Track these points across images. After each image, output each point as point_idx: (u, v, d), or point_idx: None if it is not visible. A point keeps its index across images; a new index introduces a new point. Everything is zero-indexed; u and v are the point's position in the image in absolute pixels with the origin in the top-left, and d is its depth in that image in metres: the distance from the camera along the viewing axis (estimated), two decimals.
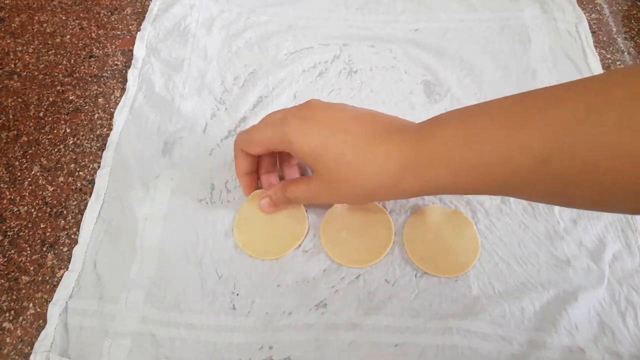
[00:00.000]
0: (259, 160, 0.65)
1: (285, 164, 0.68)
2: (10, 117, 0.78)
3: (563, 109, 0.44)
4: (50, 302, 0.61)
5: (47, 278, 0.64)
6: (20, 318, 0.61)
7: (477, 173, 0.49)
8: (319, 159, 0.52)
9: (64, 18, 0.91)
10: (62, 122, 0.78)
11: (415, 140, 0.53)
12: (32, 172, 0.73)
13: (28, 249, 0.66)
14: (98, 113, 0.79)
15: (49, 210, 0.69)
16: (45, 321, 0.60)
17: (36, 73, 0.84)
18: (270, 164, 0.66)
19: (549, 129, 0.44)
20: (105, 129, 0.77)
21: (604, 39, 0.87)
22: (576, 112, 0.43)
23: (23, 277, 0.64)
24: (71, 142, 0.76)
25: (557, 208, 0.68)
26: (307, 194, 0.58)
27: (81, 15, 0.92)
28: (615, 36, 0.88)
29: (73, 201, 0.70)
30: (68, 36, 0.89)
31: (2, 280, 0.64)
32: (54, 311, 0.60)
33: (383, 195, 0.56)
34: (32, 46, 0.87)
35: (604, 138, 0.41)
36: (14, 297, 0.63)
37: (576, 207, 0.63)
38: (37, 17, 0.91)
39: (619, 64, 0.84)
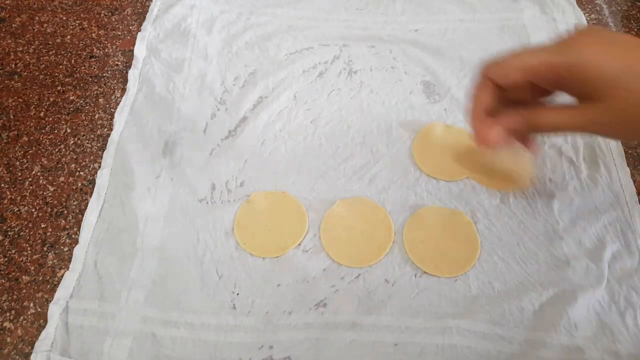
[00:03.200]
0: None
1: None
2: (11, 117, 0.78)
3: None
4: (50, 301, 0.62)
5: (48, 278, 0.64)
6: (21, 318, 0.61)
7: None
8: (621, 84, 0.45)
9: (64, 18, 0.91)
10: (63, 122, 0.78)
11: None
12: (33, 172, 0.73)
13: (29, 248, 0.66)
14: (99, 113, 0.79)
15: (49, 210, 0.69)
16: (45, 321, 0.60)
17: (37, 73, 0.84)
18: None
19: None
20: (106, 129, 0.77)
21: None
22: None
23: (24, 276, 0.64)
24: (72, 142, 0.76)
25: (556, 208, 0.68)
26: (572, 122, 0.50)
27: (82, 15, 0.92)
28: None
29: (74, 201, 0.70)
30: (68, 36, 0.89)
31: (3, 280, 0.64)
32: (54, 311, 0.61)
33: None
34: (32, 46, 0.87)
35: None
36: (15, 296, 0.63)
37: None
38: (37, 18, 0.91)
39: None
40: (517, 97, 0.53)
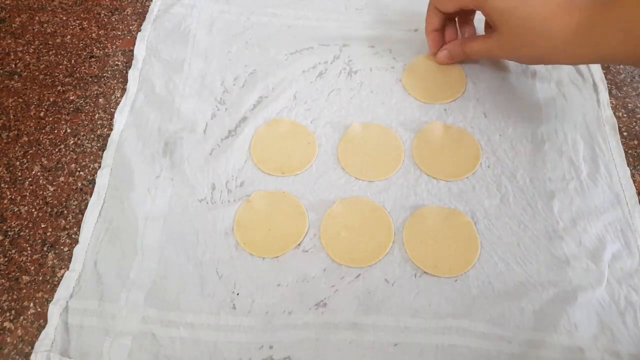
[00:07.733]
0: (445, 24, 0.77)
1: (463, 25, 0.79)
2: (11, 117, 0.79)
3: None
4: (50, 301, 0.62)
5: (48, 278, 0.64)
6: (21, 318, 0.61)
7: None
8: (508, 17, 0.64)
9: (64, 18, 0.91)
10: (63, 122, 0.78)
11: (594, 11, 0.60)
12: (33, 172, 0.73)
13: (29, 248, 0.66)
14: (99, 113, 0.79)
15: (49, 210, 0.69)
16: (45, 321, 0.60)
17: (37, 73, 0.84)
18: (453, 30, 0.79)
19: None
20: (106, 129, 0.77)
21: None
22: None
23: (24, 276, 0.64)
24: (72, 142, 0.76)
25: (556, 208, 0.68)
26: (483, 49, 0.72)
27: (82, 15, 0.92)
28: None
29: (74, 201, 0.70)
30: (68, 36, 0.89)
31: (3, 280, 0.64)
32: (54, 311, 0.61)
33: (554, 59, 0.67)
34: (32, 46, 0.87)
35: None
36: (15, 296, 0.63)
37: None
38: (37, 18, 0.91)
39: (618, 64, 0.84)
40: (455, 15, 0.76)
